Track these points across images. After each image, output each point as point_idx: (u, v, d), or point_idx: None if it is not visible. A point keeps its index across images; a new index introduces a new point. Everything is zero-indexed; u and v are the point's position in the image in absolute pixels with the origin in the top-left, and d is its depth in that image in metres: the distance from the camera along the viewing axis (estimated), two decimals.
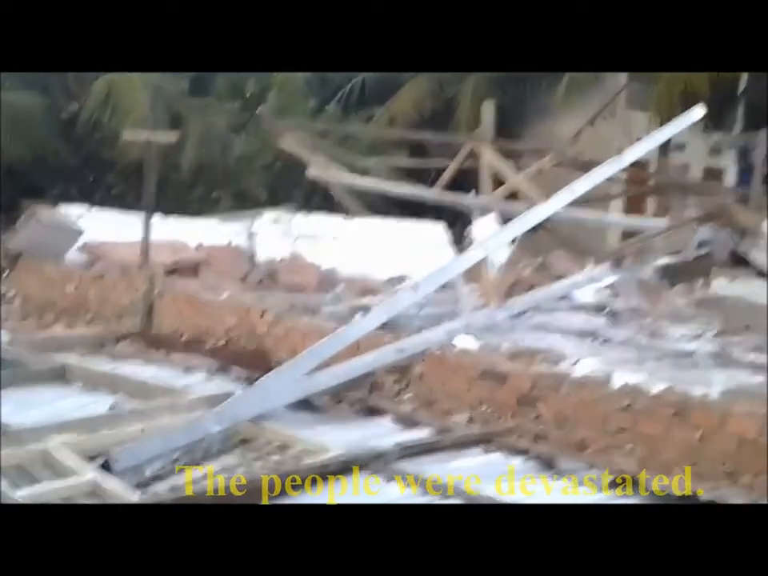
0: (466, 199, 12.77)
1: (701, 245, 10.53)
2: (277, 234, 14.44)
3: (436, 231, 15.88)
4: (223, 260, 13.59)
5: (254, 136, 18.79)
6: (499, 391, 7.69)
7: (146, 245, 11.20)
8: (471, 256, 8.83)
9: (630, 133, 21.87)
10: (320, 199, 18.16)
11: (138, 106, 18.45)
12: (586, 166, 17.82)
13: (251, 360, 9.16)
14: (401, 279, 14.30)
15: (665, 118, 20.09)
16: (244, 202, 18.07)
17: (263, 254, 14.12)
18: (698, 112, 10.30)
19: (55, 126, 19.43)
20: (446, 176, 12.46)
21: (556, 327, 10.86)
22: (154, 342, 10.09)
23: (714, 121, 22.89)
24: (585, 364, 9.18)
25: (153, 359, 9.61)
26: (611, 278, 10.42)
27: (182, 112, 19.06)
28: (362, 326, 7.92)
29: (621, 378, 8.28)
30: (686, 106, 19.30)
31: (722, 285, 14.89)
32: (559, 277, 15.22)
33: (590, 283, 10.19)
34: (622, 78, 22.67)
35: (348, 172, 14.76)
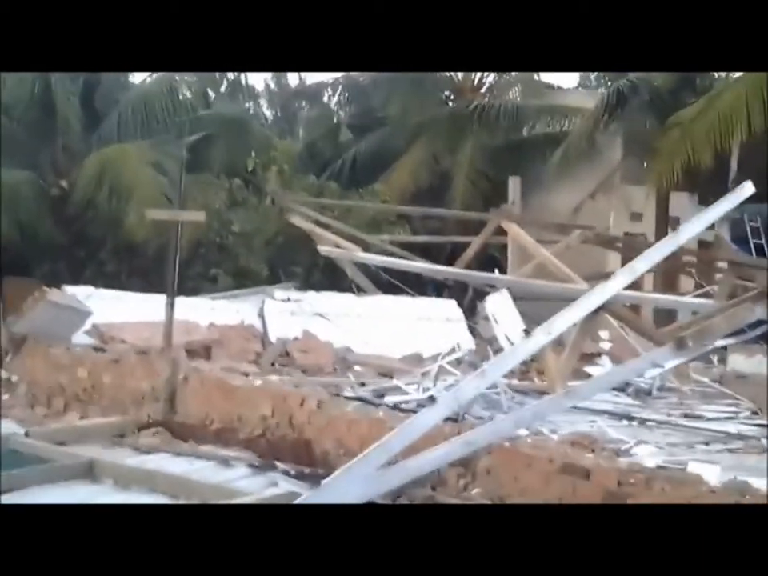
0: (493, 277, 12.31)
1: (757, 324, 10.04)
2: (288, 312, 13.85)
3: (448, 308, 15.38)
4: (236, 340, 12.95)
5: (254, 212, 18.31)
6: (582, 487, 7.07)
7: (169, 326, 10.55)
8: (536, 340, 8.25)
9: (629, 207, 21.81)
10: (320, 275, 17.71)
11: (140, 184, 17.94)
12: (611, 242, 17.89)
13: (293, 451, 8.52)
14: (416, 357, 13.86)
15: (665, 191, 20.13)
16: (243, 279, 17.51)
17: (275, 333, 13.50)
18: (749, 188, 9.88)
19: (44, 204, 18.91)
20: (471, 252, 11.98)
21: (584, 407, 10.49)
22: (180, 431, 9.42)
23: (707, 193, 22.91)
24: (643, 450, 8.73)
25: (181, 451, 8.91)
26: (675, 362, 9.88)
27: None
28: (430, 416, 7.28)
29: (697, 468, 7.80)
30: (687, 178, 19.47)
31: (738, 361, 14.53)
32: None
33: (653, 367, 9.65)
34: (618, 152, 22.65)
35: (360, 249, 14.28)
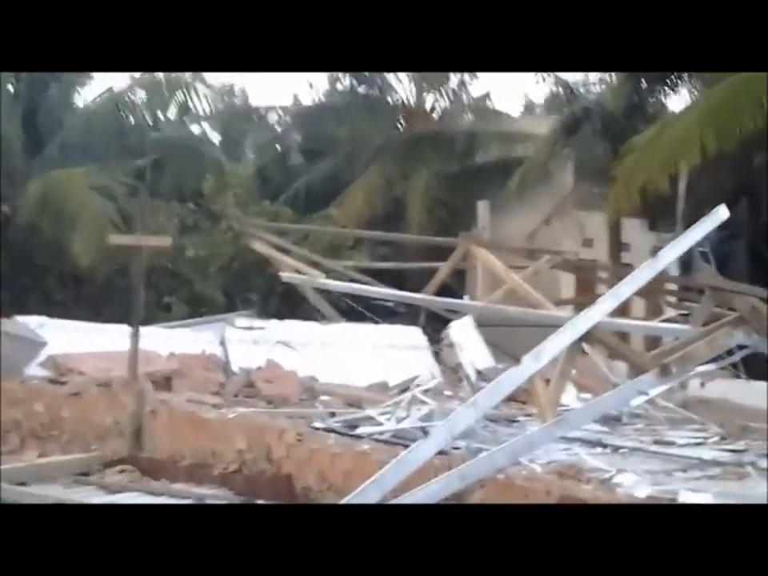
0: (462, 304, 12.05)
1: (738, 349, 9.91)
2: (250, 340, 13.44)
3: (413, 335, 15.08)
4: (198, 370, 12.49)
5: (208, 237, 17.87)
6: None
7: (134, 357, 10.09)
8: (525, 368, 8.01)
9: (581, 232, 21.79)
10: (277, 302, 17.34)
11: (86, 209, 17.42)
12: (580, 268, 17.79)
13: (272, 487, 8.13)
14: (383, 386, 13.55)
15: (622, 216, 20.11)
16: (198, 307, 17.05)
17: (238, 363, 13.08)
18: (723, 212, 9.78)
19: None
20: (440, 277, 11.70)
21: None
22: (149, 468, 8.95)
23: (655, 218, 23.04)
24: (626, 479, 8.51)
25: (153, 489, 8.46)
26: (659, 389, 9.71)
27: (129, 213, 18.07)
28: (424, 450, 7.00)
29: (688, 498, 7.57)
30: (645, 202, 19.47)
31: (698, 386, 14.42)
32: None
33: (639, 395, 9.46)
34: (569, 178, 22.67)
35: (322, 275, 13.95)
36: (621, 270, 18.58)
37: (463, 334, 14.64)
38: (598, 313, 8.59)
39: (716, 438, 11.47)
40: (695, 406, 13.44)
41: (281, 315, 15.49)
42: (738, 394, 13.85)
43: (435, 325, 16.09)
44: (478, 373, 13.72)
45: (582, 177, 22.45)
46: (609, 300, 8.72)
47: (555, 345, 8.44)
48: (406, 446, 8.84)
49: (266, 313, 16.15)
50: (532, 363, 8.10)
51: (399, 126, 25.82)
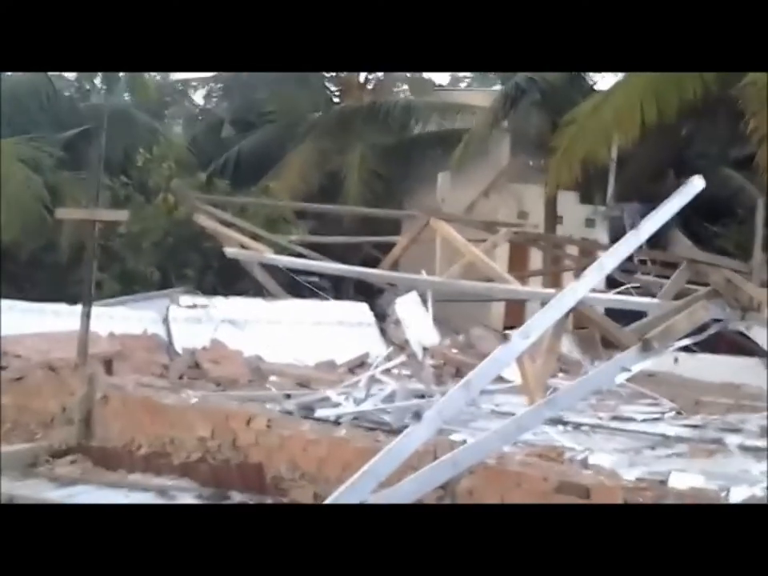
0: (421, 279, 11.61)
1: (712, 323, 9.68)
2: (194, 319, 12.83)
3: (360, 311, 14.63)
4: (139, 351, 11.87)
5: (140, 211, 17.07)
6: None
7: (84, 338, 9.42)
8: (515, 346, 7.58)
9: (519, 205, 21.58)
10: (214, 278, 16.71)
11: (10, 183, 16.54)
12: (539, 240, 17.53)
13: (240, 477, 7.59)
14: (330, 364, 13.11)
15: (562, 188, 19.91)
16: (131, 284, 16.30)
17: (181, 343, 12.46)
18: (699, 182, 9.49)
19: None
20: (397, 252, 11.24)
21: (510, 412, 10.09)
22: (101, 458, 8.34)
23: (587, 192, 22.95)
24: (604, 460, 8.24)
25: (107, 481, 7.87)
26: (642, 364, 9.40)
27: (57, 186, 17.26)
28: (416, 436, 6.52)
29: (680, 479, 7.30)
30: (588, 174, 19.31)
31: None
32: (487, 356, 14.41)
33: (622, 371, 9.13)
34: (506, 150, 22.40)
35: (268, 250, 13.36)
36: (579, 243, 18.54)
37: (409, 310, 14.23)
38: (583, 287, 8.20)
39: (672, 413, 11.40)
40: (642, 380, 13.27)
41: (217, 291, 14.92)
42: (684, 367, 13.77)
43: (361, 299, 15.75)
44: (425, 350, 13.38)
45: (518, 149, 22.21)
46: (594, 274, 8.33)
47: (542, 321, 8.03)
48: (385, 431, 8.45)
49: (203, 289, 15.51)
50: (521, 341, 7.66)
51: (333, 97, 25.20)
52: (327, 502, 6.02)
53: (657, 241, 9.24)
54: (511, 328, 17.37)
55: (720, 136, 20.75)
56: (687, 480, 7.21)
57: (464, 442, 7.44)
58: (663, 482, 7.11)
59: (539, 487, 6.73)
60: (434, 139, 22.63)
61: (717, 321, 9.96)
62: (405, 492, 6.44)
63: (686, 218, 21.61)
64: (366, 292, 17.24)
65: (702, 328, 10.21)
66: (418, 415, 7.03)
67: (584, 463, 7.92)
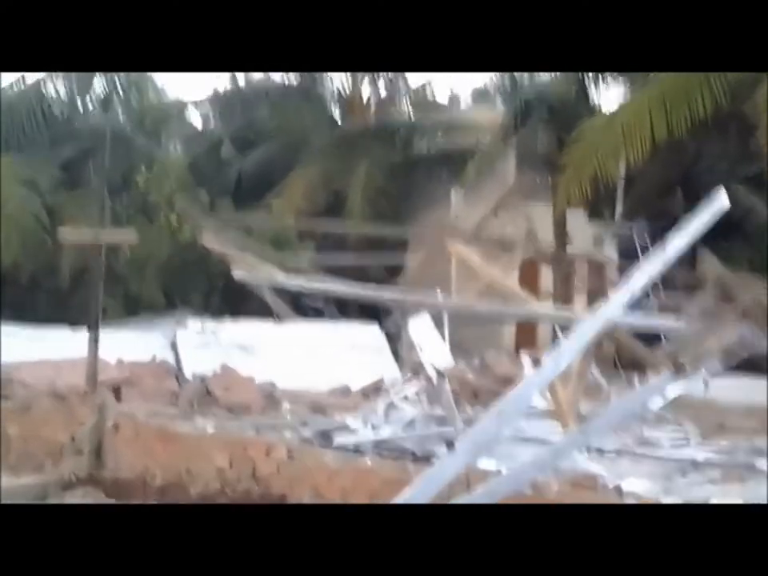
0: (434, 298, 11.26)
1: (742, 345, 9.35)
2: (202, 344, 12.48)
3: (372, 333, 14.30)
4: (148, 378, 11.52)
5: (144, 233, 16.69)
6: None
7: (93, 364, 9.05)
8: (546, 371, 7.24)
9: (529, 221, 21.27)
10: (219, 301, 16.36)
11: (8, 203, 16.20)
12: (555, 260, 17.24)
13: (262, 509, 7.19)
14: (345, 390, 12.78)
15: (571, 205, 19.61)
16: (135, 307, 15.93)
17: (190, 369, 12.10)
18: (723, 198, 9.19)
19: None
20: (411, 274, 10.86)
21: (533, 437, 9.57)
22: (115, 489, 7.99)
23: (596, 210, 22.69)
24: (635, 486, 7.92)
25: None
26: (677, 389, 9.05)
27: (55, 207, 16.91)
28: (450, 465, 6.17)
29: None
30: (596, 192, 19.04)
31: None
32: (504, 379, 14.06)
33: (657, 396, 8.80)
34: (512, 168, 22.13)
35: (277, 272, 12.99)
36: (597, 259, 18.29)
37: (422, 332, 13.93)
38: (613, 308, 7.86)
39: (697, 438, 11.07)
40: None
41: (223, 314, 14.58)
42: (701, 390, 13.42)
43: (367, 320, 15.43)
44: (439, 373, 13.09)
45: (525, 167, 21.93)
46: (622, 294, 7.99)
47: (573, 344, 7.70)
48: (413, 459, 8.09)
49: (208, 312, 15.16)
50: (552, 365, 7.33)
51: (335, 116, 24.92)
52: None
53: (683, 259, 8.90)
54: (523, 348, 17.15)
55: (730, 153, 20.52)
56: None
57: (498, 471, 7.11)
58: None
59: None
60: (440, 157, 22.34)
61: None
62: None
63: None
64: (372, 313, 16.93)
65: (732, 350, 9.93)
66: (450, 444, 6.69)
67: (618, 491, 7.60)
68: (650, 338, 11.02)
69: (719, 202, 9.71)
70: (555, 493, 6.79)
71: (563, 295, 18.48)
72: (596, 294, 20.08)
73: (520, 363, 14.97)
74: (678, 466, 9.19)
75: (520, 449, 8.91)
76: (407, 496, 5.99)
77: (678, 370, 8.38)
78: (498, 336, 19.23)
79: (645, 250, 22.62)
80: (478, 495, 6.50)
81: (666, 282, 11.64)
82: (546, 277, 19.83)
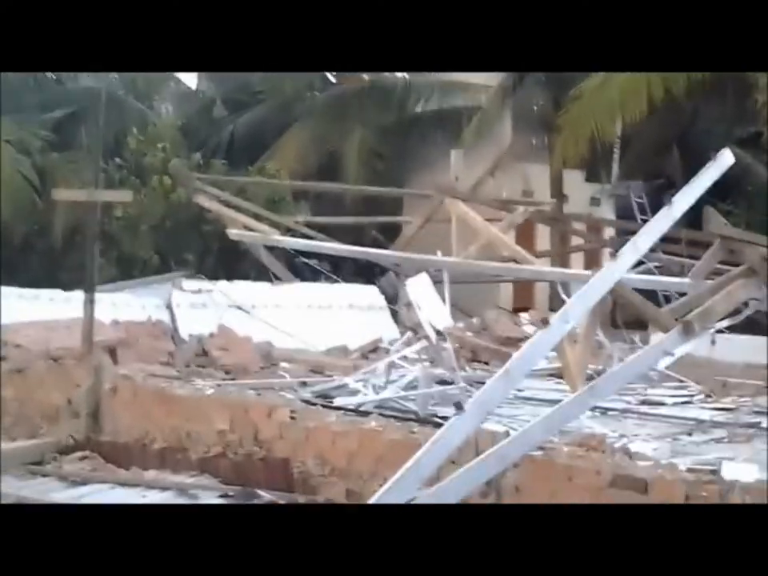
0: (436, 260, 11.09)
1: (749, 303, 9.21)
2: (200, 304, 12.30)
3: (370, 294, 14.13)
4: (144, 339, 11.33)
5: (137, 194, 16.47)
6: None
7: (89, 326, 8.88)
8: (555, 331, 7.07)
9: (525, 182, 21.13)
10: (214, 262, 16.19)
11: None
12: (556, 219, 17.13)
13: (266, 473, 7.12)
14: (343, 350, 12.63)
15: (568, 166, 19.45)
16: (129, 269, 15.74)
17: (187, 330, 11.93)
18: (729, 156, 9.01)
19: None
20: (410, 233, 10.71)
21: (537, 399, 9.74)
22: (113, 454, 7.84)
23: (592, 171, 22.54)
24: (643, 447, 7.80)
25: (122, 479, 7.37)
26: (685, 348, 8.92)
27: (46, 169, 16.65)
28: (460, 428, 6.04)
29: (734, 470, 6.84)
30: (592, 152, 18.87)
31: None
32: (503, 338, 13.93)
33: (665, 355, 8.67)
34: (509, 129, 21.92)
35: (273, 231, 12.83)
36: (596, 222, 18.20)
37: (420, 292, 13.75)
38: (621, 268, 7.70)
39: (701, 396, 10.99)
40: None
41: (218, 275, 14.39)
42: (705, 348, 13.35)
43: (360, 281, 15.31)
44: (438, 333, 12.95)
45: (521, 128, 21.75)
46: (629, 253, 7.83)
47: (581, 304, 7.54)
48: (418, 420, 7.94)
49: (203, 273, 14.97)
50: (561, 325, 7.17)
51: (329, 76, 24.59)
52: (372, 501, 5.55)
53: (689, 218, 8.75)
54: (521, 310, 17.07)
55: (727, 114, 20.35)
56: (741, 470, 6.77)
57: (506, 433, 6.96)
58: (714, 472, 6.68)
59: (592, 481, 6.24)
60: (435, 118, 22.10)
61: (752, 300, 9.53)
62: (452, 490, 5.96)
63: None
64: (366, 274, 16.78)
65: (738, 309, 9.80)
66: (459, 406, 6.53)
67: (626, 451, 7.46)
68: (652, 297, 10.92)
69: (724, 159, 9.57)
70: (565, 455, 6.63)
71: (560, 255, 18.38)
72: (593, 254, 20.08)
73: (520, 323, 14.93)
74: (682, 426, 9.10)
75: (525, 409, 8.83)
76: (418, 460, 5.86)
77: (687, 329, 8.28)
78: (495, 296, 19.11)
79: (642, 210, 22.57)
80: (489, 459, 6.38)
81: (671, 240, 11.59)
82: (543, 236, 19.75)
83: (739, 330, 12.91)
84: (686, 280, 10.38)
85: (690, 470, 6.59)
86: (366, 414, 7.77)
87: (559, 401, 9.11)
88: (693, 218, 9.05)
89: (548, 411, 6.80)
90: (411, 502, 5.55)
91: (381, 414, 7.78)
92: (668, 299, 12.54)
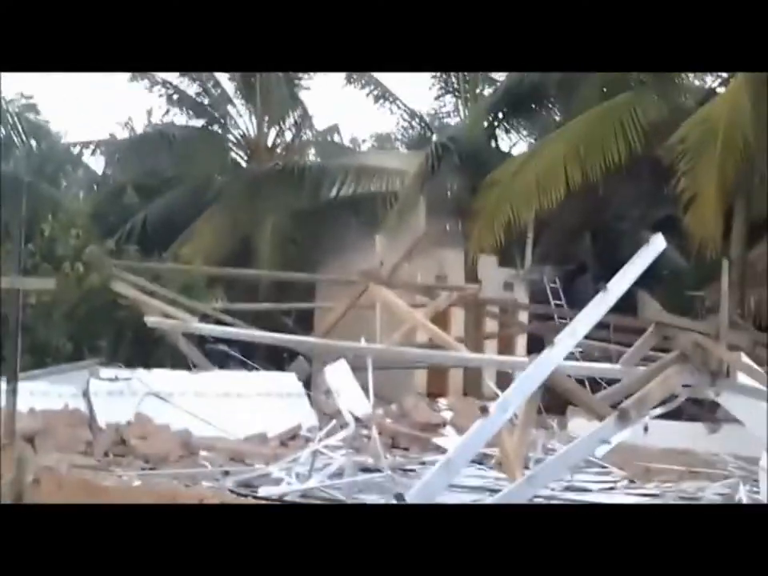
0: (360, 347, 11.05)
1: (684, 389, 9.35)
2: (117, 392, 12.02)
3: (288, 382, 13.97)
4: (62, 428, 11.04)
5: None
6: None
7: (11, 416, 8.56)
8: (495, 420, 7.07)
9: (440, 267, 21.27)
10: (128, 349, 15.87)
11: None
12: (483, 305, 17.18)
13: None
14: (262, 437, 12.42)
15: (485, 252, 19.67)
16: (43, 356, 15.32)
17: (104, 418, 11.63)
18: (661, 241, 9.26)
19: None
20: (334, 318, 10.67)
21: (460, 485, 9.54)
22: None
23: (505, 256, 22.83)
24: None
25: None
26: (621, 435, 8.94)
27: None
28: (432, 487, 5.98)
29: None
30: (509, 236, 19.09)
31: (581, 425, 13.84)
32: (422, 424, 13.85)
33: (602, 443, 8.69)
34: (423, 214, 22.14)
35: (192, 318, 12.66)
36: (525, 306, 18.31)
37: (339, 378, 13.66)
38: (558, 355, 7.74)
39: (623, 482, 11.02)
40: None
41: (132, 363, 14.10)
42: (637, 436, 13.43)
43: (271, 368, 15.17)
44: (357, 420, 12.83)
45: (434, 213, 21.95)
46: (567, 340, 7.89)
47: (520, 392, 7.54)
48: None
49: (117, 360, 14.66)
50: (500, 414, 7.16)
51: (241, 160, 24.63)
52: None
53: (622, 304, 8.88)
54: (435, 395, 16.98)
55: (642, 198, 20.88)
56: None
57: None
58: None
59: None
60: (349, 203, 22.22)
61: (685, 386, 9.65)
62: None
63: (601, 282, 21.65)
64: (276, 359, 16.64)
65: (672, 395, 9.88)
66: (400, 497, 6.44)
67: None
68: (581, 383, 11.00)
69: (657, 245, 9.77)
70: None
71: (474, 340, 18.44)
72: (507, 339, 20.27)
73: (438, 409, 14.89)
74: None
75: (463, 498, 8.72)
76: None
77: (623, 417, 8.31)
78: (409, 381, 19.08)
79: (555, 295, 22.90)
80: None
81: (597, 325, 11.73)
82: (457, 322, 19.82)
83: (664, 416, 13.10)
84: (618, 366, 10.52)
85: None
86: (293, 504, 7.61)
87: (488, 488, 9.12)
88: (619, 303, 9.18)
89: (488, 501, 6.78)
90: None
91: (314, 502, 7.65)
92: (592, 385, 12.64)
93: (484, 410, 6.92)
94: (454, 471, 6.44)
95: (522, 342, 21.52)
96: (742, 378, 9.10)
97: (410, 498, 6.18)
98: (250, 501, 7.59)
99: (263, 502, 7.84)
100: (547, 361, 7.65)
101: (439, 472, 6.36)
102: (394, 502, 6.15)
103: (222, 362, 15.67)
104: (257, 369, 15.06)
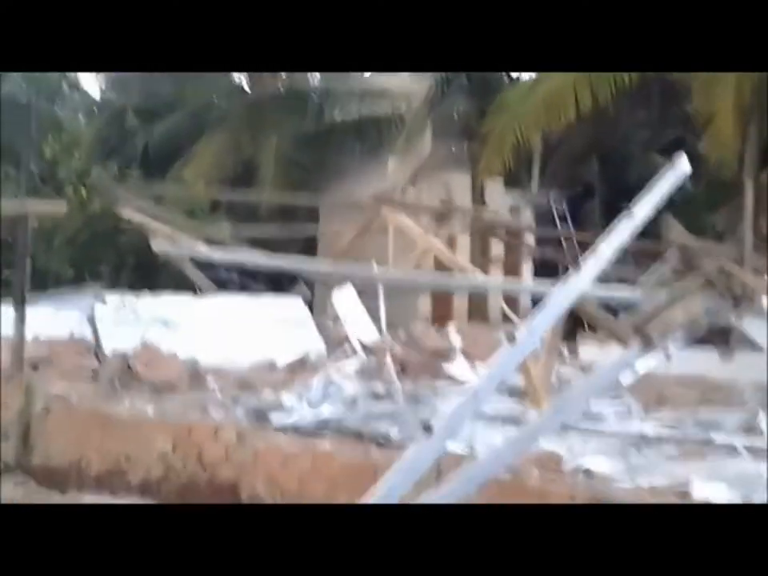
0: (370, 270, 10.81)
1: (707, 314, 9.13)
2: (123, 319, 11.81)
3: (295, 306, 13.76)
4: (67, 356, 10.86)
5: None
6: None
7: (20, 343, 8.37)
8: (522, 347, 6.84)
9: (446, 191, 20.96)
10: (130, 275, 15.66)
11: None
12: (495, 227, 16.97)
13: (212, 498, 6.74)
14: (269, 364, 12.27)
15: (493, 175, 19.39)
16: (43, 281, 15.09)
17: (109, 346, 11.44)
18: (685, 163, 8.95)
19: None
20: (345, 243, 10.42)
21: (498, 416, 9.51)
22: (47, 478, 7.38)
23: (512, 179, 22.53)
24: (598, 466, 7.60)
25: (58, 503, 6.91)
26: (649, 362, 8.73)
27: None
28: (428, 452, 5.74)
29: (704, 490, 6.66)
30: (517, 160, 18.80)
31: (592, 352, 13.70)
32: (433, 352, 13.70)
33: (628, 368, 8.48)
34: (428, 137, 21.79)
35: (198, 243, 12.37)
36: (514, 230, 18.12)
37: (347, 305, 13.47)
38: (584, 280, 7.50)
39: (636, 408, 10.91)
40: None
41: (134, 288, 13.91)
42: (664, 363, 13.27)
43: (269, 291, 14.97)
44: (364, 346, 12.68)
45: (440, 136, 21.60)
46: (592, 264, 7.63)
47: (546, 318, 7.31)
48: (376, 442, 7.64)
49: (119, 286, 14.46)
50: (528, 340, 6.94)
51: (243, 85, 24.18)
52: None
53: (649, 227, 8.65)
54: (441, 320, 16.83)
55: (650, 120, 20.51)
56: (710, 489, 6.60)
57: (471, 456, 6.70)
58: (686, 494, 6.51)
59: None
60: (353, 127, 21.85)
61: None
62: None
63: (608, 205, 21.42)
64: (276, 284, 16.45)
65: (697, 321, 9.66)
66: (428, 428, 6.23)
67: (587, 473, 7.24)
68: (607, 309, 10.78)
69: (681, 166, 9.48)
70: (535, 478, 6.38)
71: (480, 264, 18.25)
72: (513, 263, 20.05)
73: (447, 335, 14.72)
74: (627, 441, 8.94)
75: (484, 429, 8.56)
76: (386, 487, 5.55)
77: (646, 342, 8.12)
78: (412, 308, 18.92)
79: (562, 218, 22.62)
80: (456, 483, 6.10)
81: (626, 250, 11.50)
82: (463, 245, 19.60)
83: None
84: (639, 292, 10.29)
85: (656, 491, 6.42)
86: (303, 432, 7.44)
87: (513, 417, 8.95)
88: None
89: (514, 432, 6.59)
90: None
91: (328, 433, 7.47)
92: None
93: (510, 337, 6.70)
94: (479, 401, 6.22)
95: (528, 266, 21.31)
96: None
97: (437, 429, 5.99)
98: (266, 429, 7.41)
99: (275, 433, 7.68)
100: (572, 285, 7.41)
101: (467, 402, 6.14)
102: (421, 431, 5.95)
103: (228, 287, 15.48)
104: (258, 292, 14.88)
